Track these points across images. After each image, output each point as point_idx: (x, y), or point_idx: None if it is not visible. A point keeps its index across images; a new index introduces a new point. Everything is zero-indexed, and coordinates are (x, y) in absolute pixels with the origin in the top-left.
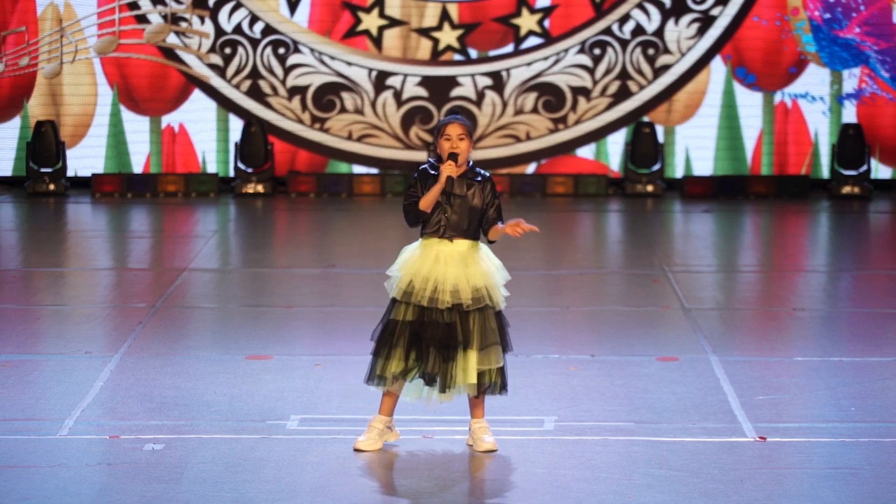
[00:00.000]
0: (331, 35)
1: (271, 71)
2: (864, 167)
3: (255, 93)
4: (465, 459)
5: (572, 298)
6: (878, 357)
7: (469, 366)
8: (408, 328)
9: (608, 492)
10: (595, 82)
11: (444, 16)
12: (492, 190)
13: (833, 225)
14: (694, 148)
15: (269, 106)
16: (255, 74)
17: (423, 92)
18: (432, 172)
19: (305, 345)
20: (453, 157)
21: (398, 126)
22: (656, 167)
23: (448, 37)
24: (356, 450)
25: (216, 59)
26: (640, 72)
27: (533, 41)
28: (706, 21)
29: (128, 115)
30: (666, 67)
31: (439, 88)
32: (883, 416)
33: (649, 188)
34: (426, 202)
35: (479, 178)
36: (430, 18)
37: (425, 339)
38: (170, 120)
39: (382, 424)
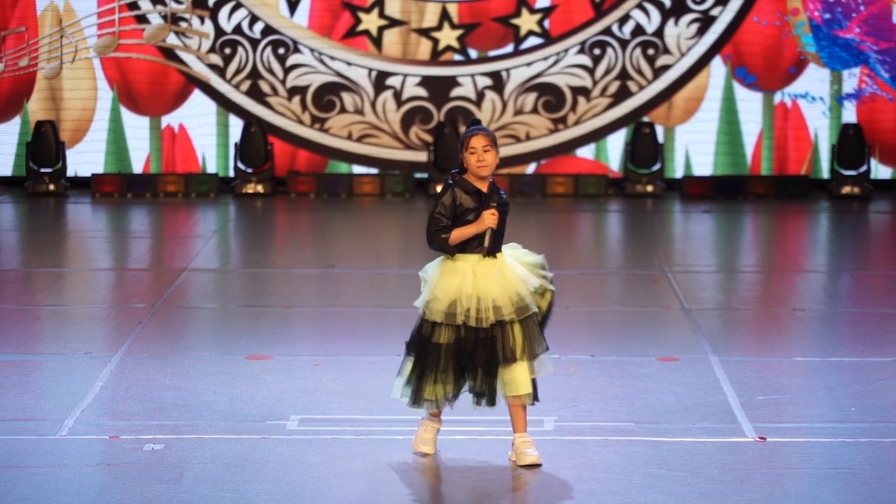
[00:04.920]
0: (331, 35)
1: (271, 71)
2: (864, 167)
3: (255, 93)
4: (465, 460)
5: (572, 298)
6: (878, 357)
7: (517, 377)
8: (451, 350)
9: (608, 492)
10: (595, 82)
11: (444, 16)
12: (507, 212)
13: (833, 225)
14: (694, 148)
15: (268, 106)
16: (254, 74)
17: (422, 92)
18: (466, 196)
19: (305, 345)
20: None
21: (398, 126)
22: (656, 167)
23: (448, 37)
24: (419, 452)
25: (216, 60)
26: (639, 72)
27: (533, 41)
28: (706, 21)
29: (128, 115)
30: (666, 67)
31: (439, 88)
32: (883, 416)
33: (649, 188)
34: (458, 240)
35: (501, 202)
36: (430, 18)
37: (473, 359)
38: (170, 120)
39: (439, 425)
